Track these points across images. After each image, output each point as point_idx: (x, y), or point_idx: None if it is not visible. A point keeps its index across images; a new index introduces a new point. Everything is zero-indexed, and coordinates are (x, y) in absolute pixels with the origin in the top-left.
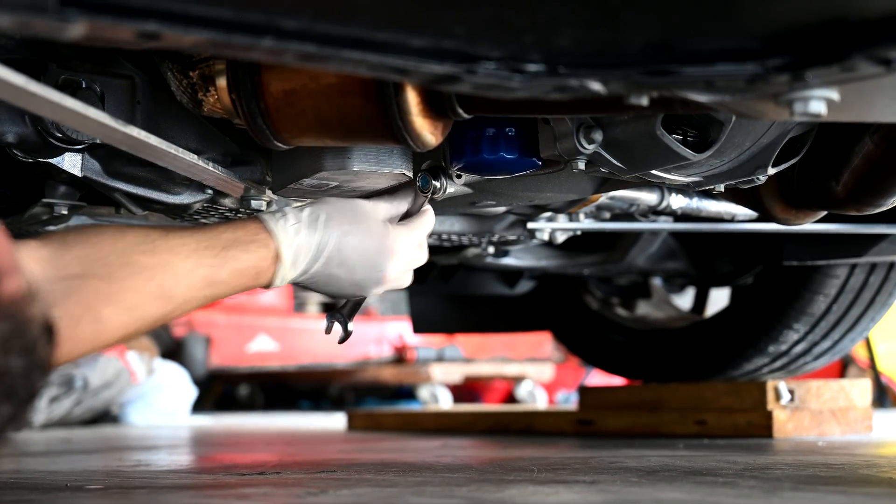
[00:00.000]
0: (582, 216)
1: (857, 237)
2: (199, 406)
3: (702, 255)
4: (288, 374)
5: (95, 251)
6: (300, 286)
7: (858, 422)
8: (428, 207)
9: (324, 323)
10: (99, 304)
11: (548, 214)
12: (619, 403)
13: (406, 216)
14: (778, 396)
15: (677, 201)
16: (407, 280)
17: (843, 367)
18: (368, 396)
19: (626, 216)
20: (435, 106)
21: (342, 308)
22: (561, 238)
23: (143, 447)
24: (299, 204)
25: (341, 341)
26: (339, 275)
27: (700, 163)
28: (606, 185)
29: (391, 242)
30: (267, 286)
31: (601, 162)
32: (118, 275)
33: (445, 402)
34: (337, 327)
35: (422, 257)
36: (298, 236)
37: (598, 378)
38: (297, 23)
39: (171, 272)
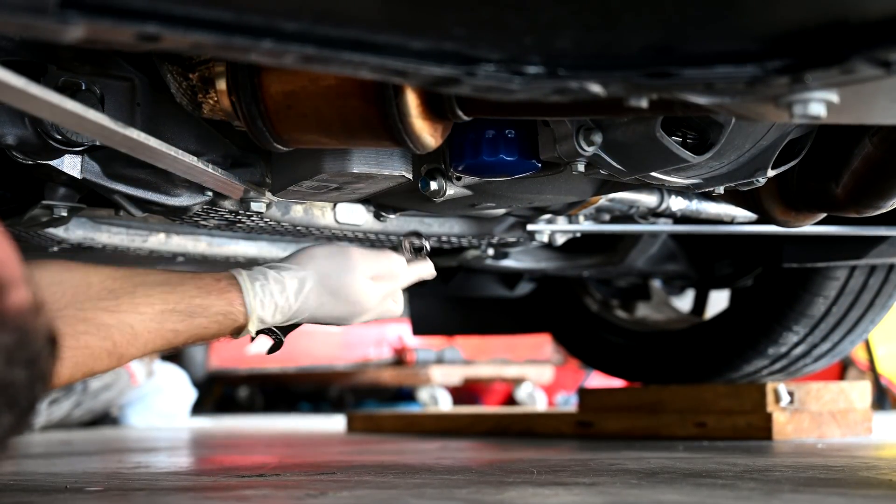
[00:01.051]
0: (581, 218)
1: (856, 239)
2: (199, 408)
3: (701, 257)
4: (288, 375)
5: (54, 301)
6: None
7: (858, 424)
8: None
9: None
10: None
11: (547, 216)
12: (619, 405)
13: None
14: (777, 398)
15: (677, 203)
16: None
17: (842, 370)
18: (368, 398)
19: (626, 218)
20: (434, 108)
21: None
22: (560, 240)
23: (142, 449)
24: (287, 258)
25: (270, 352)
26: (307, 322)
27: (700, 165)
28: (606, 187)
29: (364, 305)
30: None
31: (601, 164)
32: (72, 331)
33: (445, 404)
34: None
35: (396, 310)
36: (275, 308)
37: (598, 380)
38: (297, 25)
39: (129, 333)
